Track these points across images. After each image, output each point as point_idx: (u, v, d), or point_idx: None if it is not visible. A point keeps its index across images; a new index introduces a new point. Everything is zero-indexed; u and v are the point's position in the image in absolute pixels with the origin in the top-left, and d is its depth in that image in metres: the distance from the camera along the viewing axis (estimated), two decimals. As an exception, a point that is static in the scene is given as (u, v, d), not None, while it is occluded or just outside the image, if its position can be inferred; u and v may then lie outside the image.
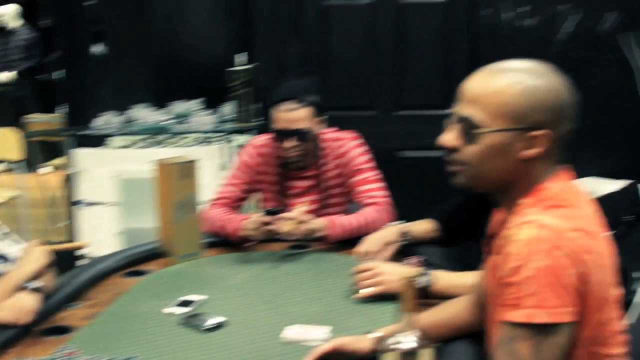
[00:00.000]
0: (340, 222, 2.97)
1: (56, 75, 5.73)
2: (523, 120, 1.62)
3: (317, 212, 3.18)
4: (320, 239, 2.96)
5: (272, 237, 2.97)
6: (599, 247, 1.61)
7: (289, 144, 3.08)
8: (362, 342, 1.98)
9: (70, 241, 5.00)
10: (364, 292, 2.41)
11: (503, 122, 1.63)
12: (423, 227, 2.89)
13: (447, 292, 2.28)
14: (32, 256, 2.38)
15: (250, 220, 2.97)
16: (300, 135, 3.07)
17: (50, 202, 6.16)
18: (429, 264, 2.51)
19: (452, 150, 1.72)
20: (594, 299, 1.58)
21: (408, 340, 1.65)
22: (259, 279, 2.68)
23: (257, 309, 2.39)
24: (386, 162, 4.62)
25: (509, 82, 1.64)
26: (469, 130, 1.66)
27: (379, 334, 1.98)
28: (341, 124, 3.37)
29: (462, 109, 1.69)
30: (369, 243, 2.72)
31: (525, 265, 1.53)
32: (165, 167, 2.89)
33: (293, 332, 2.15)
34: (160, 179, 2.93)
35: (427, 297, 2.29)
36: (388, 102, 4.99)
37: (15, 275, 2.31)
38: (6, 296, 2.25)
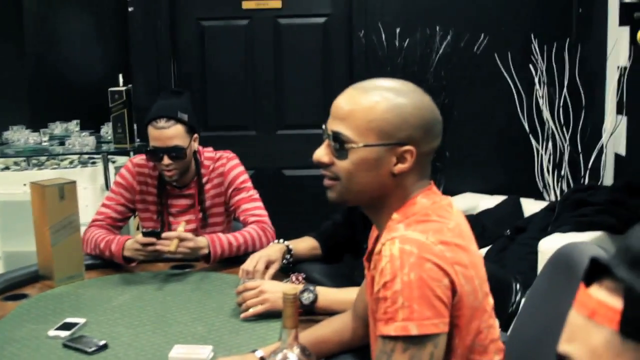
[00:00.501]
0: (221, 241, 2.98)
1: None
2: (390, 136, 1.68)
3: (198, 232, 3.19)
4: (203, 258, 2.96)
5: (156, 258, 2.97)
6: (468, 259, 1.66)
7: (165, 161, 3.08)
8: None
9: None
10: (248, 312, 2.43)
11: (371, 138, 1.68)
12: (305, 244, 2.94)
13: (332, 307, 2.34)
14: None
15: (131, 241, 2.96)
16: (176, 152, 3.07)
17: None
18: (311, 281, 2.57)
19: (325, 165, 1.76)
20: (468, 309, 1.64)
21: (292, 357, 1.67)
22: (142, 300, 2.67)
23: (141, 329, 2.38)
24: (269, 181, 4.69)
25: (376, 99, 1.69)
26: (339, 145, 1.71)
27: (261, 352, 2.02)
28: (222, 144, 3.40)
29: (332, 125, 1.73)
30: (252, 261, 2.74)
31: (394, 279, 1.56)
32: (39, 189, 2.85)
33: (178, 352, 2.15)
34: (35, 202, 2.88)
35: (312, 313, 2.34)
36: (269, 121, 5.05)
37: None
38: None
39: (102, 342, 2.24)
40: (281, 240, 2.86)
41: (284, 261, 2.82)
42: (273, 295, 2.42)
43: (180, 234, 2.89)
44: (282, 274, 2.78)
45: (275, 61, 5.03)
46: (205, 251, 2.94)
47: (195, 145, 3.20)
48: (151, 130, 3.09)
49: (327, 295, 2.38)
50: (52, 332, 2.35)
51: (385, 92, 1.70)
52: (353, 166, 1.71)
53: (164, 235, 2.89)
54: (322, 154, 1.76)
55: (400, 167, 1.70)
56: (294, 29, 5.02)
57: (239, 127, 5.11)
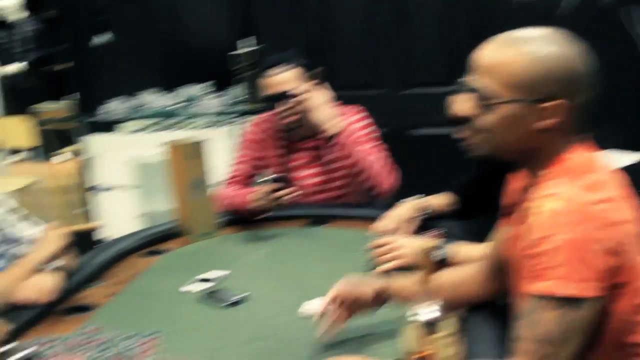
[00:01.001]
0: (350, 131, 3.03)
1: (63, 64, 5.75)
2: (535, 91, 1.59)
3: (323, 185, 3.19)
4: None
5: (282, 206, 2.97)
6: (627, 216, 1.57)
7: (282, 107, 3.08)
8: (365, 287, 1.98)
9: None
10: (382, 267, 2.41)
11: (515, 93, 1.60)
12: (441, 200, 2.89)
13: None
14: (50, 239, 2.41)
15: (257, 191, 2.98)
16: (290, 96, 3.07)
17: (66, 189, 6.19)
18: (449, 237, 2.51)
19: (467, 119, 1.71)
20: (627, 270, 1.54)
21: (428, 311, 1.62)
22: (278, 255, 2.70)
23: (277, 284, 2.41)
24: (396, 141, 4.62)
25: (518, 52, 1.60)
26: (483, 100, 1.64)
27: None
28: (348, 103, 3.36)
29: (475, 79, 1.66)
30: (388, 220, 2.71)
31: (550, 237, 1.49)
32: (176, 148, 2.91)
33: (312, 306, 2.16)
34: (173, 160, 2.95)
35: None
36: (395, 80, 4.97)
37: (33, 257, 2.34)
38: (24, 278, 2.28)
39: (236, 297, 2.27)
40: (418, 196, 2.82)
41: (422, 216, 2.78)
42: (407, 251, 2.38)
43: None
44: (420, 230, 2.74)
45: (398, 18, 4.92)
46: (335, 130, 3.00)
47: (313, 86, 3.15)
48: (265, 80, 3.12)
49: (463, 251, 2.33)
50: (188, 286, 2.41)
51: (529, 44, 1.61)
52: (499, 121, 1.63)
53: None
54: (465, 107, 1.71)
55: (547, 122, 1.61)
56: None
57: (365, 85, 5.06)
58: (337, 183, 3.23)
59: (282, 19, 5.07)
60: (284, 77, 3.07)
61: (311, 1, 5.01)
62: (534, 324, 1.50)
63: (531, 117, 1.61)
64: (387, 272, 2.37)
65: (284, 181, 2.92)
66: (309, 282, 2.40)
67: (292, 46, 4.94)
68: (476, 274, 1.99)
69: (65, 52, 5.67)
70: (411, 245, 2.38)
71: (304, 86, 3.10)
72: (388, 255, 2.41)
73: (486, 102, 1.63)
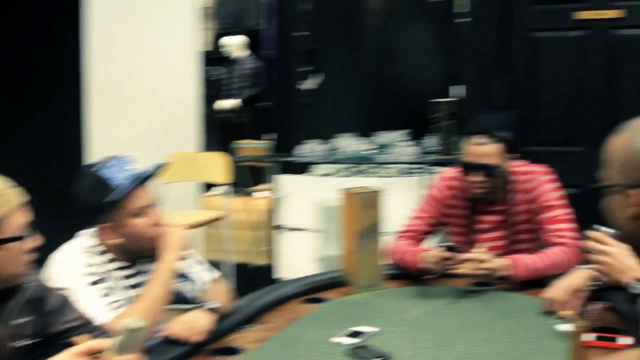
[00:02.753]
0: (524, 262, 2.84)
1: (266, 104, 5.94)
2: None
3: (506, 249, 3.06)
4: (503, 279, 2.83)
5: (452, 273, 2.88)
6: None
7: (475, 178, 3.00)
8: None
9: (269, 264, 5.14)
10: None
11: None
12: None
13: None
14: (174, 237, 2.42)
15: (429, 253, 2.91)
16: (487, 170, 2.98)
17: (255, 226, 6.35)
18: (615, 311, 2.34)
19: None
20: None
21: None
22: (434, 315, 2.61)
23: (427, 345, 2.32)
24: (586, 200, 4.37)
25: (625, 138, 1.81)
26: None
27: None
28: (547, 160, 3.23)
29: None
30: (557, 289, 2.57)
31: None
32: (350, 196, 2.91)
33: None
34: (345, 208, 2.94)
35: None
36: (598, 138, 4.72)
37: (169, 259, 2.37)
38: (164, 295, 2.32)
39: (384, 354, 2.20)
40: (589, 265, 2.64)
41: (593, 287, 2.60)
42: (615, 264, 2.10)
43: (479, 256, 2.79)
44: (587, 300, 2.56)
45: (607, 75, 4.71)
46: (504, 273, 2.81)
47: (511, 165, 3.07)
48: (466, 145, 3.03)
49: None
50: (338, 339, 2.36)
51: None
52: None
53: (464, 256, 2.81)
54: None
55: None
56: (630, 40, 4.67)
57: (566, 142, 4.85)
58: (521, 246, 3.11)
59: (485, 70, 4.98)
60: (486, 150, 2.99)
61: (516, 53, 4.89)
62: None
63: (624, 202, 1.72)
64: None
65: (457, 251, 2.84)
66: (460, 345, 2.30)
67: (491, 99, 4.87)
68: None
69: (271, 91, 5.83)
70: (624, 263, 2.11)
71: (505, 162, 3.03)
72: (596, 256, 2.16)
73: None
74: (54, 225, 2.28)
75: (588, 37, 4.76)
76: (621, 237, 1.65)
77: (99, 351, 1.72)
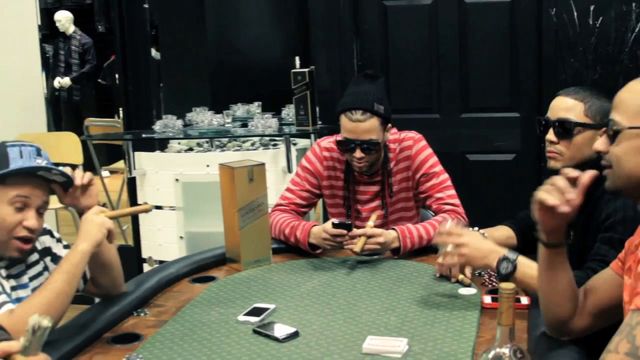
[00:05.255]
0: (411, 233, 2.86)
1: (111, 80, 5.76)
2: None
3: (388, 218, 3.08)
4: (393, 251, 2.85)
5: (341, 247, 2.87)
6: None
7: (357, 154, 2.96)
8: None
9: (133, 245, 4.99)
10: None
11: (637, 121, 1.68)
12: (500, 233, 2.79)
13: (530, 283, 2.19)
14: (92, 226, 2.27)
15: (319, 229, 2.88)
16: (369, 145, 2.94)
17: (114, 206, 6.17)
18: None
19: (603, 154, 1.78)
20: None
21: (507, 355, 1.55)
22: (331, 287, 2.59)
23: (332, 318, 2.30)
24: (453, 166, 4.49)
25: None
26: (612, 132, 1.73)
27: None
28: (404, 127, 3.23)
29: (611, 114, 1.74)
30: (447, 253, 2.61)
31: None
32: (229, 170, 2.82)
33: (371, 343, 2.05)
34: (224, 184, 2.86)
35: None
36: (453, 104, 4.86)
37: (80, 249, 2.22)
38: (79, 273, 2.19)
39: (292, 330, 2.17)
40: (476, 228, 2.69)
41: None
42: (470, 251, 2.32)
43: (368, 231, 2.78)
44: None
45: (459, 41, 4.82)
46: (396, 244, 2.82)
47: (388, 136, 3.06)
48: (345, 121, 2.95)
49: (528, 268, 2.22)
50: (241, 317, 2.30)
51: None
52: (621, 151, 1.71)
53: (351, 233, 2.79)
54: (599, 142, 1.79)
55: None
56: (479, 7, 4.79)
57: (421, 109, 4.94)
58: (403, 214, 3.14)
59: (337, 38, 4.98)
60: (366, 126, 2.92)
61: (368, 21, 4.92)
62: (630, 337, 1.50)
63: None
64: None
65: (348, 229, 2.80)
66: (365, 316, 2.29)
67: (346, 67, 4.89)
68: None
69: (115, 66, 5.64)
70: (478, 247, 2.33)
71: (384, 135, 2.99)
72: (450, 249, 2.36)
73: (614, 133, 1.72)
74: None
75: (437, 4, 4.85)
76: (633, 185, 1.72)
77: (12, 354, 1.60)
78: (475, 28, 4.79)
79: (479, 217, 2.93)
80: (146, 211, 2.81)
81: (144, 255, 4.72)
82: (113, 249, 2.41)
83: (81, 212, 2.37)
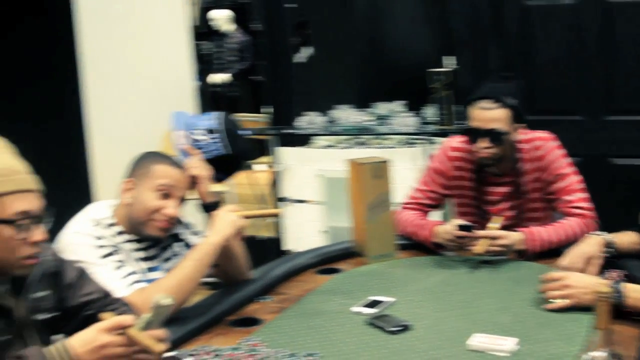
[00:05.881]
0: (540, 236, 2.84)
1: (263, 77, 5.93)
2: None
3: (516, 220, 3.06)
4: (519, 253, 2.84)
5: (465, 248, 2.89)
6: None
7: (482, 143, 2.94)
8: None
9: (277, 237, 5.15)
10: (552, 304, 2.30)
11: None
12: (628, 238, 2.72)
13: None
14: (225, 221, 2.44)
15: (443, 230, 2.91)
16: (494, 135, 2.92)
17: (260, 198, 6.36)
18: (632, 279, 2.37)
19: None
20: None
21: (602, 358, 1.56)
22: (449, 284, 2.63)
23: (445, 314, 2.34)
24: (593, 169, 4.41)
25: None
26: None
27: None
28: (546, 129, 3.19)
29: None
30: (571, 257, 2.59)
31: None
32: (357, 166, 2.91)
33: (479, 340, 2.08)
34: (353, 179, 2.94)
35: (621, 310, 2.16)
36: (596, 106, 4.74)
37: (211, 241, 2.39)
38: (208, 263, 2.35)
39: (404, 323, 2.22)
40: (603, 234, 2.66)
41: (605, 254, 2.62)
42: (577, 291, 2.27)
43: (492, 233, 2.80)
44: (601, 268, 2.59)
45: (603, 41, 4.70)
46: (521, 247, 2.82)
47: (518, 135, 3.02)
48: (473, 110, 2.97)
49: (637, 293, 2.18)
50: (357, 308, 2.38)
51: None
52: None
53: (478, 234, 2.81)
54: None
55: None
56: (624, 6, 4.65)
57: (563, 111, 4.85)
58: (533, 215, 3.10)
59: (479, 39, 4.97)
60: (492, 115, 2.92)
61: (510, 22, 4.88)
62: None
63: None
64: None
65: (471, 230, 2.82)
66: (478, 314, 2.32)
67: (488, 67, 4.87)
68: None
69: (265, 65, 5.82)
70: (583, 285, 2.27)
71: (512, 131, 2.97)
72: (558, 293, 2.30)
73: None
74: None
75: (581, 4, 4.75)
76: None
77: (126, 327, 1.74)
78: (620, 27, 4.65)
79: (621, 223, 2.86)
80: (276, 215, 2.95)
81: (285, 247, 4.87)
82: (240, 244, 2.55)
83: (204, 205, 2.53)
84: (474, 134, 2.98)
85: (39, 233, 1.87)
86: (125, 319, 1.76)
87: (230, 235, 2.42)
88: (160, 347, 1.76)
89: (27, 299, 1.95)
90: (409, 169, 4.34)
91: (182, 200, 2.48)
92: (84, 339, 1.74)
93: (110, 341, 1.72)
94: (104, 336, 1.73)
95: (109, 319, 1.77)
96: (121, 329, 1.73)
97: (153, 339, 1.76)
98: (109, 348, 1.72)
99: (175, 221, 2.46)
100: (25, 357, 1.70)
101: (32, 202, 1.86)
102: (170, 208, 2.41)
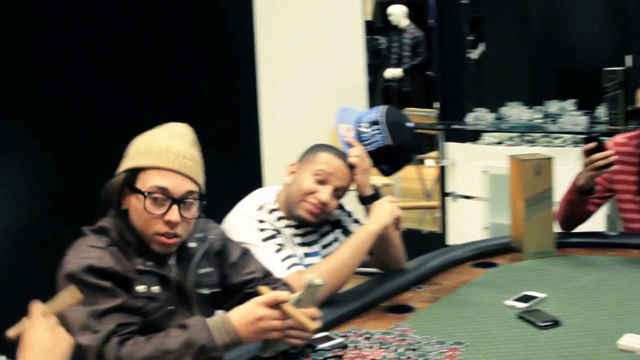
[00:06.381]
0: None
1: (433, 72, 5.98)
2: None
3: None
4: None
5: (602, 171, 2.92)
6: None
7: None
8: None
9: (441, 232, 5.20)
10: None
11: None
12: None
13: None
14: (383, 211, 2.53)
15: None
16: None
17: (426, 194, 6.44)
18: None
19: None
20: None
21: None
22: (605, 284, 2.61)
23: (597, 312, 2.34)
24: None
25: None
26: None
27: None
28: None
29: None
30: None
31: None
32: (518, 162, 2.93)
33: (630, 340, 2.07)
34: (513, 175, 2.97)
35: None
36: None
37: (369, 229, 2.49)
38: (365, 250, 2.47)
39: (555, 319, 2.25)
40: None
41: None
42: None
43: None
44: None
45: None
46: None
47: None
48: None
49: None
50: (509, 302, 2.42)
51: None
52: None
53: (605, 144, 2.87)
54: None
55: None
56: None
57: None
58: None
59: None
60: None
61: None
62: None
63: None
64: None
65: (601, 142, 2.84)
66: (631, 315, 2.31)
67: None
68: None
69: (435, 60, 5.87)
70: None
71: None
72: None
73: None
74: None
75: None
76: None
77: (282, 302, 1.85)
78: None
79: None
80: (434, 208, 3.00)
81: (448, 242, 4.92)
82: (397, 234, 2.63)
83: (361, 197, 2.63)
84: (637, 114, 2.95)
85: (174, 214, 1.99)
86: (282, 294, 1.88)
87: (388, 224, 2.51)
88: (313, 324, 1.88)
89: (193, 274, 2.11)
90: (574, 169, 4.27)
91: (340, 191, 2.58)
92: (241, 312, 1.87)
93: (266, 314, 1.84)
94: (261, 309, 1.85)
95: (266, 294, 1.89)
96: (277, 304, 1.85)
97: (307, 316, 1.87)
98: (264, 321, 1.84)
99: (326, 208, 2.56)
100: (188, 326, 1.85)
101: (174, 183, 2.00)
102: (323, 194, 2.52)
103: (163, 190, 1.99)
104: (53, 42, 3.43)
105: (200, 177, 2.07)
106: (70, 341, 1.58)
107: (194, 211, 2.05)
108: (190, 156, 2.04)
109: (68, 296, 1.65)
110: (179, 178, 2.00)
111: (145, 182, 2.00)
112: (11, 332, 1.54)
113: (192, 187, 2.03)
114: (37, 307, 1.57)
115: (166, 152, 2.01)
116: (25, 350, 1.51)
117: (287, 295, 1.87)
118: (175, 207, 1.99)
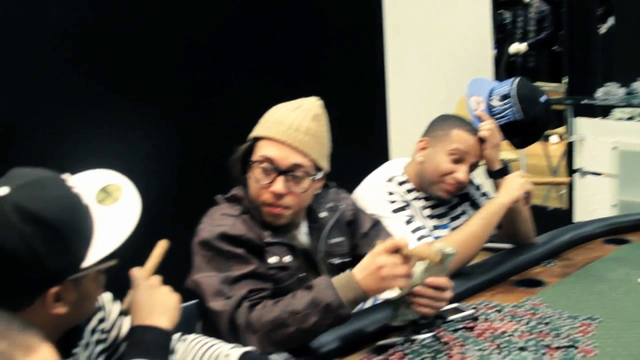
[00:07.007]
0: None
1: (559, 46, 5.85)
2: None
3: None
4: None
5: None
6: None
7: None
8: None
9: (568, 208, 5.10)
10: None
11: None
12: None
13: None
14: (514, 184, 2.51)
15: None
16: None
17: (552, 170, 6.31)
18: None
19: None
20: None
21: None
22: None
23: None
24: None
25: None
26: None
27: None
28: None
29: None
30: None
31: None
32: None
33: None
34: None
35: None
36: None
37: (499, 201, 2.47)
38: (495, 222, 2.45)
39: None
40: None
41: None
42: None
43: None
44: None
45: None
46: None
47: None
48: None
49: None
50: (644, 278, 2.36)
51: None
52: None
53: None
54: None
55: None
56: None
57: None
58: None
59: None
60: None
61: None
62: None
63: None
64: None
65: None
66: None
67: None
68: None
69: (566, 35, 5.72)
70: None
71: None
72: None
73: None
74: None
75: None
76: None
77: (401, 247, 1.80)
78: None
79: None
80: (564, 184, 2.92)
81: (575, 220, 4.82)
82: (527, 208, 2.60)
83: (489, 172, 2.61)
84: None
85: (278, 185, 2.00)
86: (400, 240, 1.83)
87: (519, 197, 2.48)
88: (435, 256, 1.85)
89: (324, 243, 2.14)
90: None
91: (473, 166, 2.56)
92: (362, 265, 1.84)
93: (387, 262, 1.79)
94: (381, 257, 1.80)
95: (384, 242, 1.84)
96: (397, 250, 1.80)
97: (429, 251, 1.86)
98: (385, 268, 1.79)
99: (463, 186, 2.56)
100: (313, 286, 1.86)
101: (281, 154, 2.01)
102: (460, 173, 2.51)
103: (269, 160, 2.01)
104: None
105: (315, 152, 2.05)
106: (177, 297, 1.62)
107: (304, 185, 2.04)
108: (305, 129, 2.03)
109: (159, 251, 1.69)
110: (287, 150, 2.01)
111: (258, 151, 2.04)
112: (124, 306, 1.60)
113: (300, 160, 2.02)
114: (135, 272, 1.62)
115: (280, 123, 2.03)
116: (134, 313, 1.57)
117: (405, 242, 1.83)
118: (280, 178, 2.01)
